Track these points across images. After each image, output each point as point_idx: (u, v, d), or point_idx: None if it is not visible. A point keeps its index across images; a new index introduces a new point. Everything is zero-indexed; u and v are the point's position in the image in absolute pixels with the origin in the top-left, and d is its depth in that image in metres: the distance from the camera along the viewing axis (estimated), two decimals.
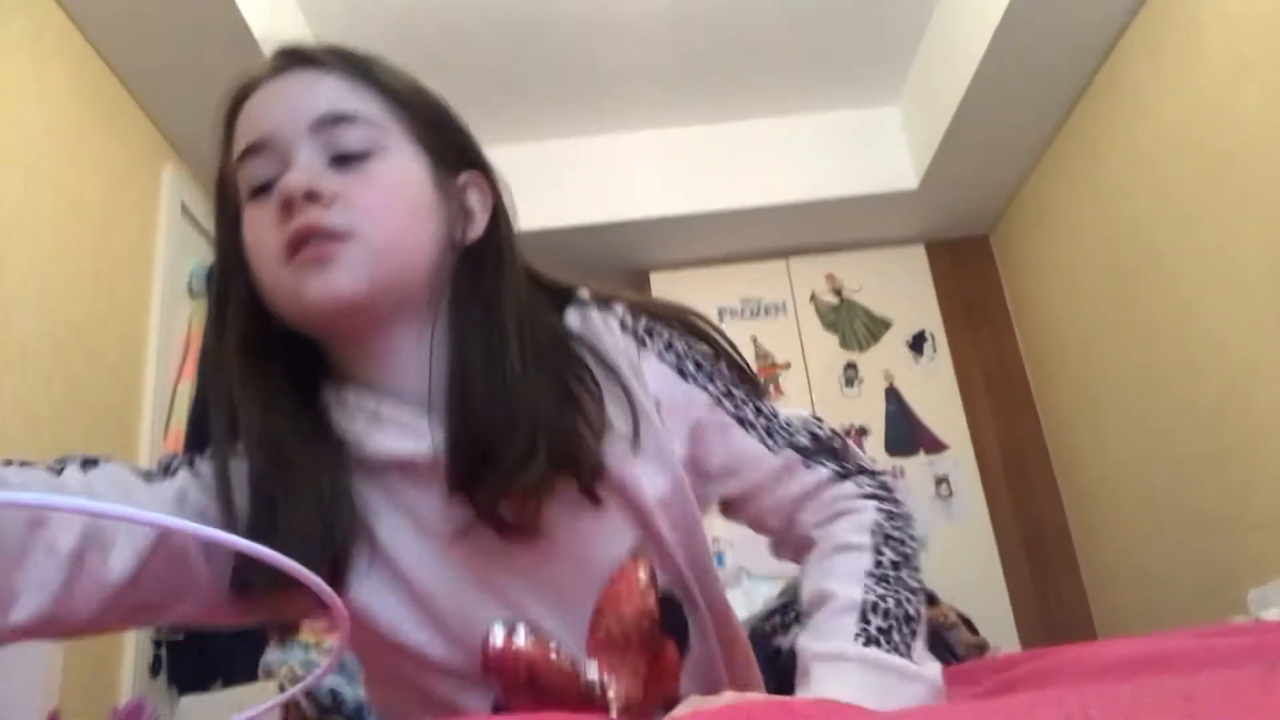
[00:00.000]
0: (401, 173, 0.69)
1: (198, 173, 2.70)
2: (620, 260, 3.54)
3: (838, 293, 3.59)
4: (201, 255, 2.73)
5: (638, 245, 3.43)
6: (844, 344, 3.50)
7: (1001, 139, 3.04)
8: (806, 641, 0.66)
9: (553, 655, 0.68)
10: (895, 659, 0.63)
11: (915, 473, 3.33)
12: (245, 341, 0.69)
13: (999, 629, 2.99)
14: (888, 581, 0.69)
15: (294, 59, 0.71)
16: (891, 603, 0.67)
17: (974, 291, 3.60)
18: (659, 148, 3.38)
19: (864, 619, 0.65)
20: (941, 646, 2.36)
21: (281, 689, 1.47)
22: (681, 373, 0.74)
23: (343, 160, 0.67)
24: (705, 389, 0.74)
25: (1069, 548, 3.27)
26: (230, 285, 0.71)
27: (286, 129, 0.67)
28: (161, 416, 2.38)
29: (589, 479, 0.67)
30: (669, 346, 0.75)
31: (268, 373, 0.69)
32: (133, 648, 2.12)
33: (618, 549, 0.71)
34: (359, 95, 0.70)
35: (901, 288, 3.59)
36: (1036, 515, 3.31)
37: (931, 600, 2.76)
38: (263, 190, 0.67)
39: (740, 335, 3.47)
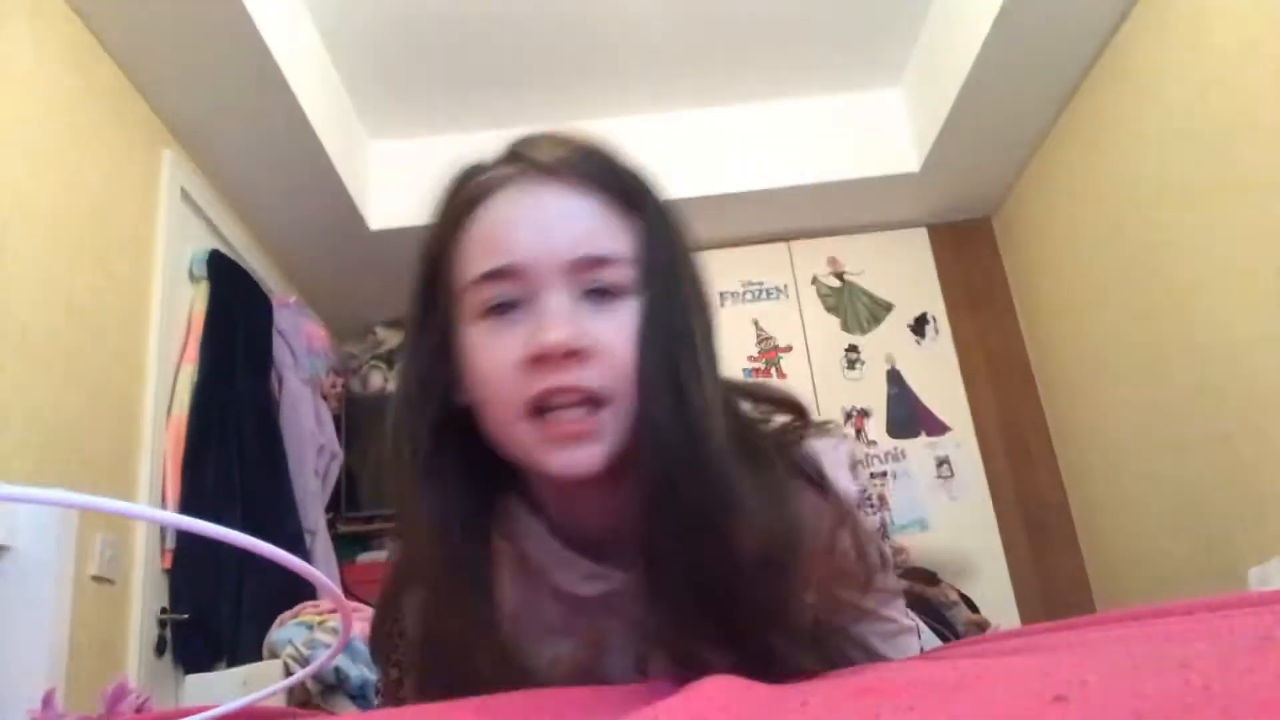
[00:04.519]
0: (637, 320, 0.63)
1: (197, 157, 2.69)
2: None
3: (839, 276, 3.58)
4: (201, 240, 2.73)
5: None
6: (846, 327, 3.50)
7: (1004, 122, 3.02)
8: None
9: None
10: None
11: (916, 454, 3.33)
12: (431, 454, 0.66)
13: (1000, 607, 3.00)
14: None
15: (545, 168, 0.66)
16: None
17: (976, 274, 3.60)
18: (660, 131, 3.37)
19: None
20: (942, 624, 2.37)
21: (286, 668, 1.48)
22: None
23: (596, 295, 0.63)
24: None
25: (1069, 527, 3.28)
26: (426, 389, 0.67)
27: (541, 263, 0.63)
28: (164, 400, 2.39)
29: None
30: None
31: (447, 474, 0.66)
32: (138, 627, 2.13)
33: None
34: (619, 226, 0.65)
35: (903, 270, 3.58)
36: (1037, 495, 3.32)
37: (933, 579, 2.77)
38: (500, 309, 0.64)
39: (742, 318, 3.47)
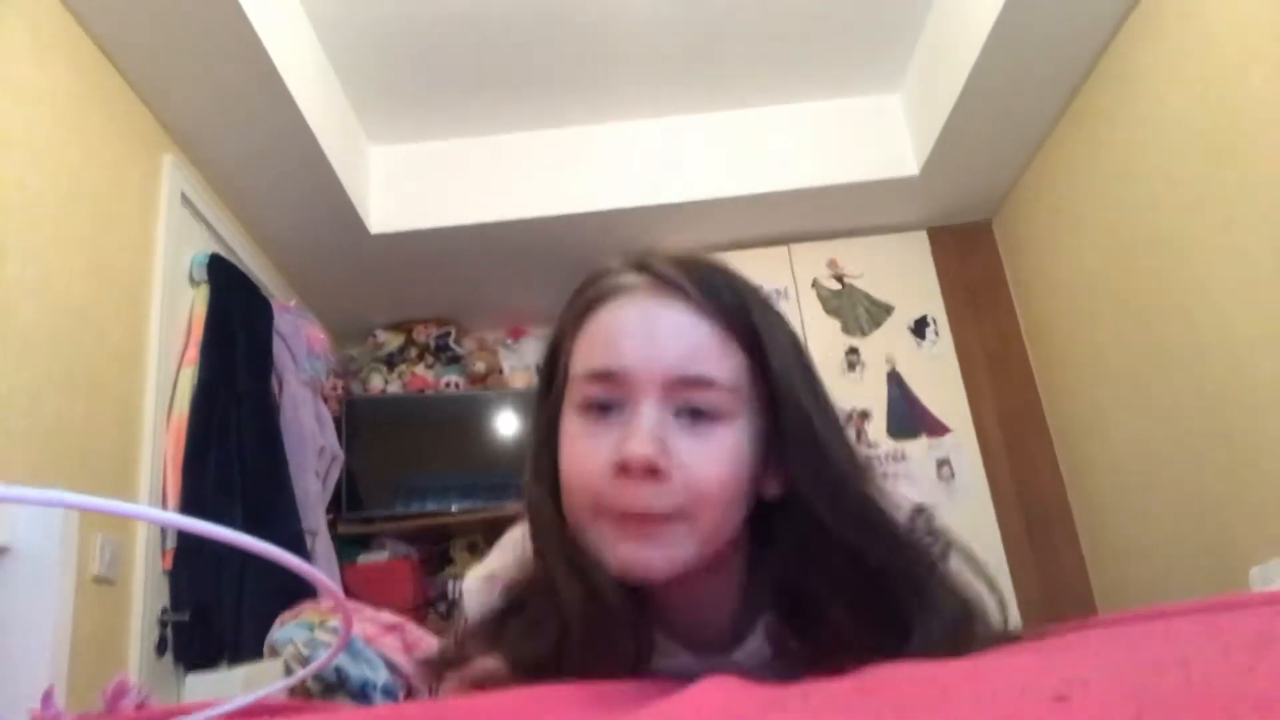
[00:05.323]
0: (741, 444, 0.66)
1: (197, 161, 2.70)
2: (622, 247, 3.52)
3: (840, 279, 3.58)
4: (201, 243, 2.74)
5: (641, 232, 3.43)
6: (846, 329, 3.50)
7: (1003, 125, 3.03)
8: None
9: None
10: None
11: (917, 456, 3.33)
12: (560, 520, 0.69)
13: None
14: None
15: (666, 283, 0.69)
16: None
17: (976, 276, 3.60)
18: (662, 135, 3.37)
19: None
20: None
21: (286, 667, 1.48)
22: None
23: (692, 414, 0.65)
24: None
25: (1070, 529, 3.28)
26: (540, 462, 0.71)
27: (642, 372, 0.65)
28: (164, 402, 2.39)
29: None
30: None
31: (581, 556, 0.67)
32: (139, 626, 2.13)
33: None
34: (726, 352, 0.67)
35: (903, 273, 3.58)
36: (1038, 496, 3.32)
37: None
38: (600, 409, 0.66)
39: None
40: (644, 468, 0.62)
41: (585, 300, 0.71)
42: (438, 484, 3.64)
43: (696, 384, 0.65)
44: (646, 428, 0.63)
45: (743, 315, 0.68)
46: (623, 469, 0.63)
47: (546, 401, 0.72)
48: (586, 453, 0.65)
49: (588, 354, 0.68)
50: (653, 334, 0.66)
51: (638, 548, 0.63)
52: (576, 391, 0.68)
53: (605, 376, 0.66)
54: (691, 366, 0.65)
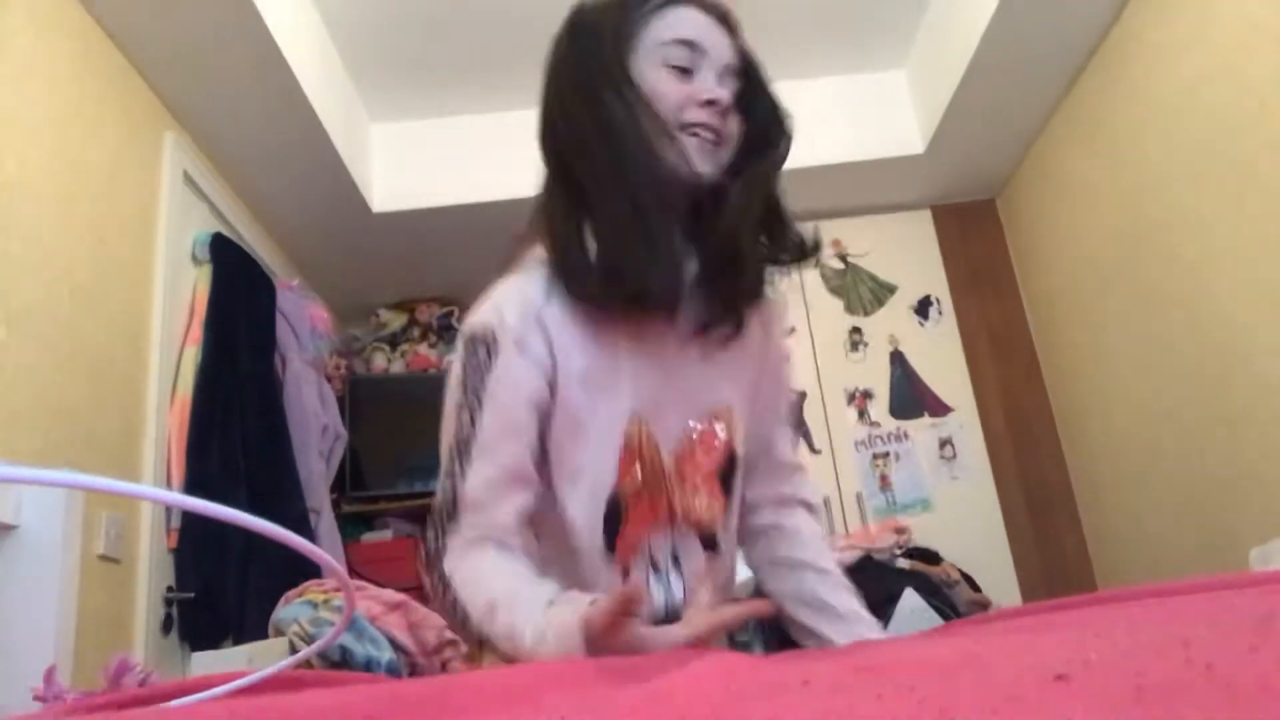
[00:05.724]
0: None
1: (199, 140, 2.69)
2: None
3: (844, 258, 3.57)
4: (203, 222, 2.73)
5: None
6: (850, 309, 3.50)
7: (1008, 103, 3.01)
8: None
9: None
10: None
11: (920, 435, 3.34)
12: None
13: (1002, 587, 3.02)
14: None
15: (721, 13, 1.02)
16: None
17: (980, 256, 3.59)
18: None
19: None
20: (944, 603, 2.38)
21: (291, 645, 1.49)
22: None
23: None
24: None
25: (1072, 508, 3.29)
26: (621, 89, 0.95)
27: (714, 51, 0.98)
28: (168, 381, 2.39)
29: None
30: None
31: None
32: (144, 605, 2.14)
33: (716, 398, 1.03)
34: (739, 61, 1.01)
35: (908, 252, 3.57)
36: (1040, 476, 3.32)
37: (934, 559, 2.78)
38: (678, 69, 0.96)
39: None
40: (726, 106, 0.96)
41: (655, 4, 0.99)
42: None
43: (738, 75, 1.00)
44: (718, 84, 0.97)
45: (743, 44, 1.03)
46: (713, 103, 0.95)
47: (600, 56, 0.97)
48: (678, 91, 0.95)
49: (673, 28, 0.98)
50: (717, 30, 1.00)
51: (708, 157, 0.96)
52: (662, 52, 0.97)
53: (689, 44, 0.97)
54: (737, 61, 1.00)
